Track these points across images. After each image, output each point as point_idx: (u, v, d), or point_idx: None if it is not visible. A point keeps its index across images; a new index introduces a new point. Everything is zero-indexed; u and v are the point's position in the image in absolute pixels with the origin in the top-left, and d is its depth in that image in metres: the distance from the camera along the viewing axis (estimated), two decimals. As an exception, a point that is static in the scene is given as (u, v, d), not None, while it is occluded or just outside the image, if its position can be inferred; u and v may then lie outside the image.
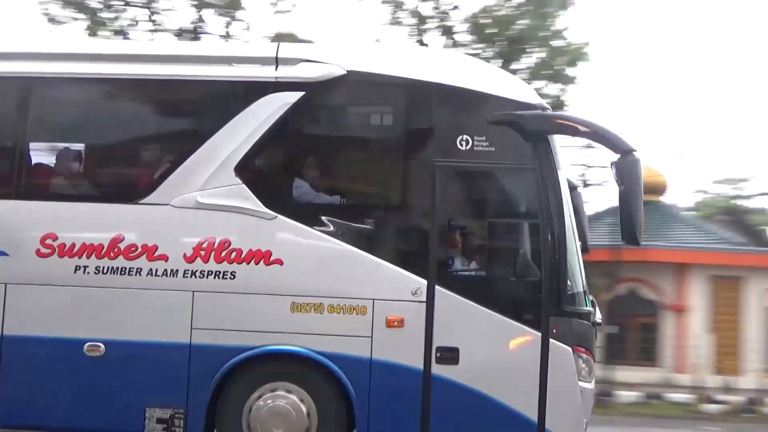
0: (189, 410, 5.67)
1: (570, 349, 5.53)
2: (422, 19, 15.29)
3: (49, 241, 5.75)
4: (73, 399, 5.75)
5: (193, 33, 14.98)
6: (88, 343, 5.72)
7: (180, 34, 14.98)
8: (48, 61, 5.92)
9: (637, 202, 5.42)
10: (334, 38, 16.01)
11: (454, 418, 5.54)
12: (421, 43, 15.02)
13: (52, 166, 6.18)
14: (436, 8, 15.21)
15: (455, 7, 15.17)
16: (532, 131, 5.59)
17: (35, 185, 6.10)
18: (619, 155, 5.52)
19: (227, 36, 15.06)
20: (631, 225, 5.41)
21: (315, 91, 5.79)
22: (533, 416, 5.48)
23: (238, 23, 15.30)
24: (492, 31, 14.56)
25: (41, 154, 6.29)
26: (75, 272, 5.75)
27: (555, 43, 14.64)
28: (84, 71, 5.88)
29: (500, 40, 13.99)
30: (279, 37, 14.17)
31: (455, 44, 14.84)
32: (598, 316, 6.04)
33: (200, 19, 15.16)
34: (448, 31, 15.17)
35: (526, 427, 5.48)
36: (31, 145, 6.15)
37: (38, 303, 5.79)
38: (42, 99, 6.12)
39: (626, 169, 5.45)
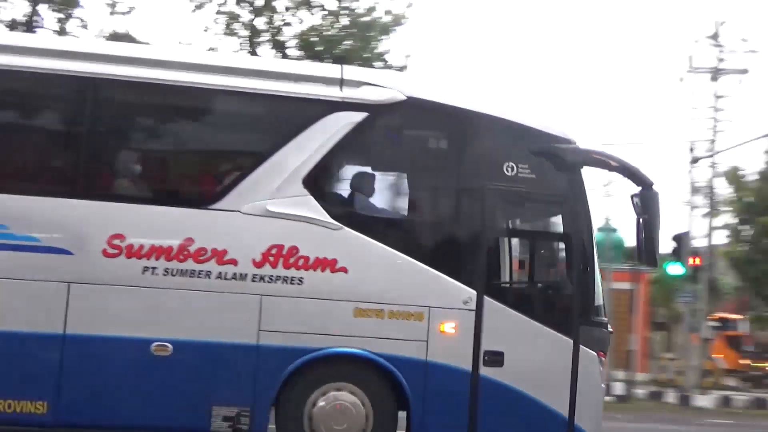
0: (254, 408, 6.00)
1: (596, 354, 6.41)
2: (256, 32, 16.36)
3: (116, 242, 5.90)
4: (140, 398, 5.92)
5: (26, 26, 15.16)
6: (156, 343, 5.92)
7: (13, 26, 15.06)
8: (126, 65, 6.07)
9: (657, 230, 6.40)
10: (170, 42, 16.58)
11: (498, 414, 6.24)
12: (254, 53, 15.81)
13: (122, 167, 6.29)
14: (269, 23, 16.42)
15: (287, 24, 16.49)
16: (570, 163, 6.44)
17: (103, 186, 6.20)
18: (641, 188, 6.48)
19: (62, 32, 15.33)
20: (651, 250, 6.38)
21: (377, 113, 6.35)
22: (565, 413, 6.29)
23: (74, 20, 15.67)
24: (319, 48, 15.94)
25: (111, 155, 6.38)
26: (143, 273, 5.94)
27: (377, 64, 16.04)
28: (161, 78, 6.09)
29: (327, 57, 15.17)
30: (115, 37, 14.62)
31: (285, 58, 15.90)
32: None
33: (35, 13, 15.35)
34: (279, 46, 16.36)
35: (559, 423, 6.28)
36: (93, 143, 6.24)
37: (104, 302, 5.91)
38: (118, 102, 6.25)
39: (648, 200, 6.42)
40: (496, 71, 65.15)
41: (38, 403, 5.79)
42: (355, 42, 16.30)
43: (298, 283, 6.07)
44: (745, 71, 21.45)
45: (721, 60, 21.32)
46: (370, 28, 16.43)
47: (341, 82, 6.39)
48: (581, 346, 6.34)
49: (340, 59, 13.48)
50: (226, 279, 6.01)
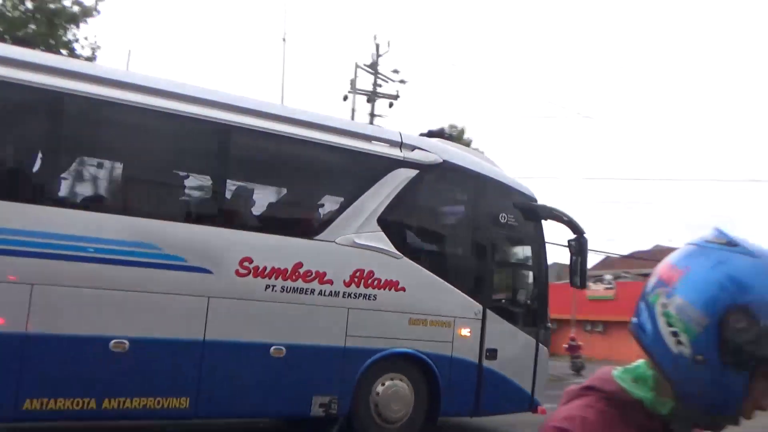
0: (341, 396, 7.91)
1: (547, 349, 9.47)
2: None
3: (246, 264, 7.36)
4: (261, 391, 7.44)
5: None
6: (273, 347, 7.50)
7: None
8: (239, 113, 7.37)
9: (585, 265, 9.64)
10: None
11: (492, 393, 8.94)
12: None
13: (254, 205, 7.63)
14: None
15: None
16: (539, 215, 9.39)
17: (236, 216, 7.50)
18: (576, 234, 9.64)
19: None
20: (583, 277, 9.59)
21: (424, 171, 8.61)
22: (529, 390, 9.23)
23: None
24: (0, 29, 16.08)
25: (247, 196, 7.65)
26: (265, 290, 7.47)
27: (64, 51, 16.55)
28: (276, 129, 7.59)
29: (7, 39, 14.69)
30: None
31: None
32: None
33: None
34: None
35: (525, 398, 9.20)
36: (229, 182, 7.52)
37: (236, 313, 7.32)
38: (238, 145, 7.55)
39: (581, 244, 9.61)
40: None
41: (182, 399, 7.01)
42: (39, 27, 16.36)
43: (373, 299, 8.09)
44: (396, 96, 25.02)
45: (378, 85, 24.69)
46: (56, 16, 16.60)
47: (401, 145, 8.48)
48: (540, 343, 9.34)
49: (22, 42, 13.26)
50: (324, 295, 7.78)
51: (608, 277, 40.75)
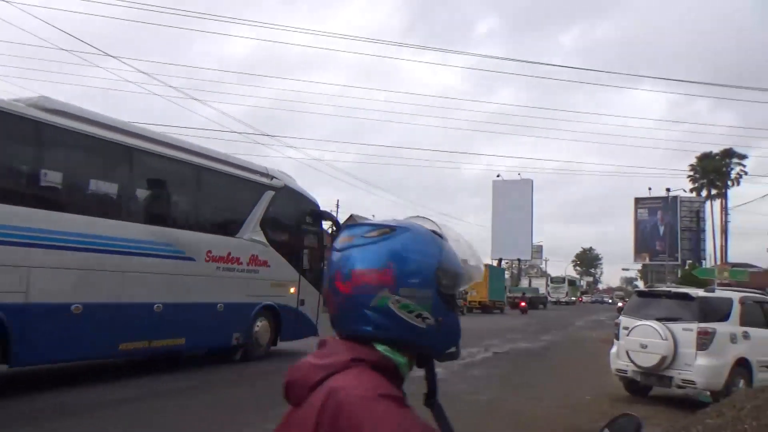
0: (244, 332, 13.53)
1: (318, 291, 16.24)
2: None
3: (209, 254, 12.49)
4: (211, 330, 12.63)
5: None
6: (218, 304, 12.77)
7: None
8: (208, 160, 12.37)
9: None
10: None
11: (303, 325, 15.33)
12: None
13: (205, 216, 12.55)
14: None
15: None
16: (320, 216, 16.05)
17: (202, 226, 12.38)
18: (336, 227, 16.60)
19: None
20: None
21: (278, 192, 14.54)
22: (315, 323, 15.93)
23: None
24: None
25: (200, 210, 12.46)
26: (215, 269, 12.67)
27: None
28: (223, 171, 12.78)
29: None
30: None
31: None
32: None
33: None
34: None
35: (314, 328, 15.87)
36: (197, 205, 12.38)
37: (203, 284, 12.37)
38: (207, 184, 12.44)
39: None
40: None
41: (180, 338, 11.91)
42: None
43: (257, 272, 13.78)
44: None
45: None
46: None
47: (271, 177, 14.26)
48: (321, 295, 16.14)
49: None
50: (238, 271, 13.21)
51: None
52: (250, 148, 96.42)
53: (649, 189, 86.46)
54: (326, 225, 16.65)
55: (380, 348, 1.25)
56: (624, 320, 11.58)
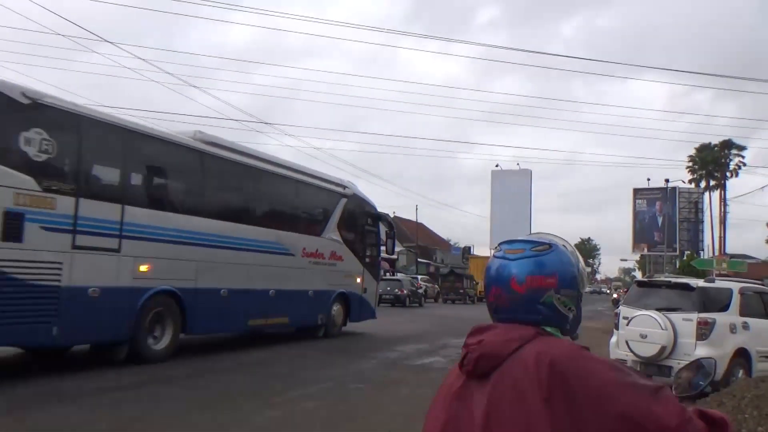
0: (327, 314, 16.92)
1: (377, 282, 19.69)
2: None
3: (304, 250, 15.84)
4: (303, 311, 16.03)
5: None
6: (310, 291, 16.17)
7: None
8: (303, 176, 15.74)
9: (394, 244, 20.14)
10: None
11: (366, 309, 18.76)
12: None
13: (302, 221, 15.94)
14: None
15: None
16: (377, 218, 19.43)
17: (299, 228, 15.72)
18: (389, 228, 20.00)
19: None
20: (393, 247, 20.08)
21: (349, 199, 17.89)
22: (374, 308, 19.37)
23: None
24: None
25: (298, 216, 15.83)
26: (309, 264, 16.03)
27: None
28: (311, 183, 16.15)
29: None
30: None
31: None
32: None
33: None
34: None
35: (373, 311, 19.30)
36: (295, 212, 15.74)
37: (300, 275, 15.72)
38: (302, 195, 15.80)
39: (393, 232, 20.05)
40: None
41: (285, 317, 15.29)
42: None
43: (334, 266, 17.14)
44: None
45: None
46: None
47: (343, 187, 17.63)
48: (378, 285, 19.55)
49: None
50: (323, 265, 16.57)
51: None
52: (250, 136, 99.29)
53: (648, 180, 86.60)
54: (382, 226, 19.92)
55: (549, 329, 1.68)
56: (624, 310, 11.79)
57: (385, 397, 9.68)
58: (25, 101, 9.23)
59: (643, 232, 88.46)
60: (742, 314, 11.11)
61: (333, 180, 17.69)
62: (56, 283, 9.57)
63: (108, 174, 11.11)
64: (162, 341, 11.73)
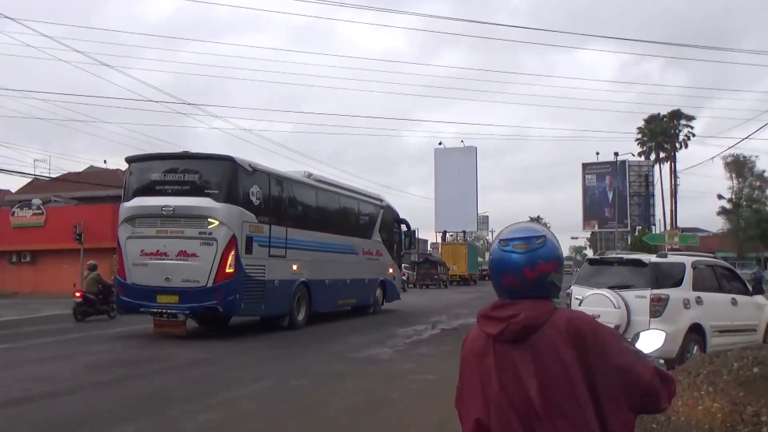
0: (376, 296, 25.77)
1: (401, 271, 28.69)
2: None
3: (363, 249, 24.60)
4: (366, 295, 24.87)
5: None
6: (366, 278, 24.95)
7: None
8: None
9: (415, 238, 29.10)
10: None
11: (393, 292, 27.63)
12: None
13: (357, 230, 24.77)
14: None
15: None
16: (399, 220, 28.33)
17: (357, 233, 24.49)
18: (407, 228, 28.94)
19: None
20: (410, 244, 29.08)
21: (384, 209, 26.72)
22: (400, 291, 28.34)
23: None
24: None
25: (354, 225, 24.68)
26: (365, 259, 24.79)
27: None
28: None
29: None
30: None
31: None
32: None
33: None
34: None
35: (398, 294, 28.26)
36: (352, 222, 24.56)
37: (360, 268, 24.52)
38: (360, 210, 24.57)
39: (412, 233, 29.07)
40: None
41: (353, 299, 24.09)
42: None
43: (377, 260, 25.99)
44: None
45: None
46: None
47: (380, 200, 26.50)
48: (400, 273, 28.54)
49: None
50: (370, 260, 25.37)
51: (37, 201, 42.69)
52: (171, 118, 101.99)
53: (597, 154, 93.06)
54: (403, 227, 28.64)
55: (556, 301, 2.51)
56: (575, 290, 12.65)
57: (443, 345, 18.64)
58: (250, 169, 17.66)
59: (593, 208, 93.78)
60: (695, 289, 11.93)
61: (374, 195, 26.55)
62: (263, 278, 18.00)
63: (281, 209, 19.34)
64: (301, 315, 20.19)
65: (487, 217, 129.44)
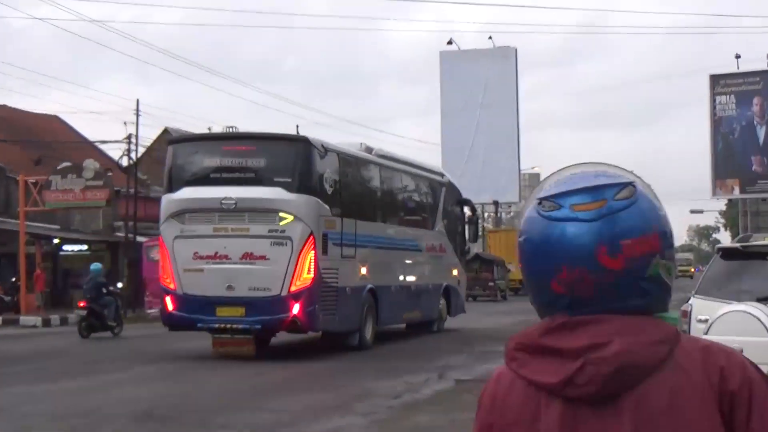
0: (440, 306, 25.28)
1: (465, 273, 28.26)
2: None
3: (427, 244, 24.10)
4: (433, 307, 24.39)
5: None
6: (430, 284, 24.43)
7: None
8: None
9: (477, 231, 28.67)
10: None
11: (459, 303, 27.14)
12: None
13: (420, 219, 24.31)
14: None
15: None
16: (466, 203, 27.84)
17: (421, 225, 24.04)
18: (472, 212, 28.40)
19: None
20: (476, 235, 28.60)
21: (447, 186, 26.24)
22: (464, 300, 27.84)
23: None
24: None
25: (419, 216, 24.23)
26: (429, 257, 24.28)
27: None
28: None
29: None
30: None
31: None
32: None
33: None
34: None
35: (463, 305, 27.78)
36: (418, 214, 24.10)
37: (422, 267, 23.97)
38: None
39: (476, 216, 28.56)
40: None
41: (419, 312, 23.56)
42: None
43: (441, 258, 25.46)
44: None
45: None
46: None
47: (441, 175, 25.98)
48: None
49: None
50: (436, 256, 24.90)
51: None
52: None
53: (738, 58, 58.75)
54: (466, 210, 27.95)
55: (668, 317, 1.59)
56: (699, 305, 9.82)
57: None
58: (323, 151, 17.10)
59: (731, 158, 59.46)
60: None
61: (434, 169, 26.03)
62: (336, 284, 17.47)
63: (350, 197, 19.07)
64: (368, 331, 19.67)
65: (537, 175, 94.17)
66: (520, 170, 68.44)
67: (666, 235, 1.55)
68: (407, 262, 22.51)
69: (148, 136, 52.84)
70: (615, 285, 1.49)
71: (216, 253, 16.56)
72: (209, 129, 23.70)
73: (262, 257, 16.37)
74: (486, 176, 60.98)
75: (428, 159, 29.25)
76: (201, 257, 16.67)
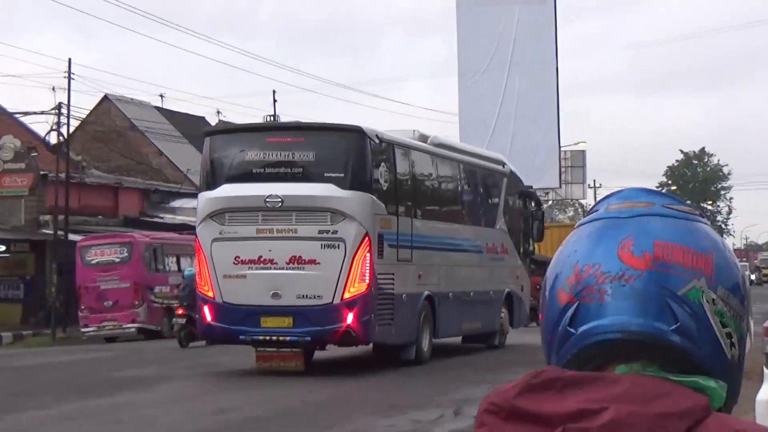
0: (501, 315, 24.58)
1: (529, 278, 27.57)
2: None
3: (487, 245, 23.43)
4: (493, 317, 23.68)
5: None
6: (491, 291, 23.75)
7: None
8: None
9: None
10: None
11: (522, 312, 26.42)
12: None
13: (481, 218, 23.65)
14: None
15: None
16: (533, 197, 27.16)
17: (479, 223, 23.40)
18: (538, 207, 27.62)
19: None
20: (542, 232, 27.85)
21: (509, 176, 25.54)
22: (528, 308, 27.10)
23: None
24: None
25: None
26: (489, 259, 23.60)
27: None
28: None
29: None
30: None
31: None
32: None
33: None
34: None
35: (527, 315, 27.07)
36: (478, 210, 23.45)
37: (481, 271, 23.29)
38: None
39: (542, 213, 27.79)
40: None
41: (478, 323, 22.87)
42: None
43: (502, 260, 24.74)
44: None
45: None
46: None
47: (503, 164, 25.28)
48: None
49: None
50: (496, 259, 24.17)
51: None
52: None
53: None
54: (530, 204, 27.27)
55: (709, 390, 1.19)
56: None
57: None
58: (377, 142, 16.52)
59: None
60: None
61: (492, 156, 25.41)
62: (392, 290, 16.90)
63: (406, 192, 18.66)
64: (425, 343, 19.08)
65: (581, 153, 70.94)
66: (560, 146, 57.35)
67: (722, 271, 1.23)
68: (466, 265, 21.95)
69: (84, 105, 50.81)
70: (633, 293, 1.21)
71: (260, 257, 16.19)
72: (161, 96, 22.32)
73: (312, 261, 15.99)
74: (516, 154, 44.89)
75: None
76: (243, 262, 16.31)
